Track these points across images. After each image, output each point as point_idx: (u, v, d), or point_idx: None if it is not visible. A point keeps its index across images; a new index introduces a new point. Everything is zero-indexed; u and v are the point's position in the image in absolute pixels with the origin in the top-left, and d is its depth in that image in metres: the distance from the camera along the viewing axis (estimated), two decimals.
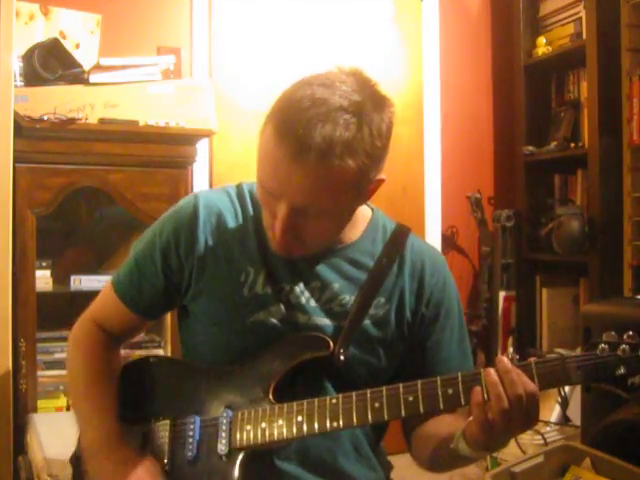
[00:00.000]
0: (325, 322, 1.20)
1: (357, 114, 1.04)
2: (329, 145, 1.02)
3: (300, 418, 1.10)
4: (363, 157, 1.05)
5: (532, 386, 1.01)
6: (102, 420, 1.22)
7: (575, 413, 2.61)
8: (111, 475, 1.16)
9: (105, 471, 1.17)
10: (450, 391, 1.05)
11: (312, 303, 1.20)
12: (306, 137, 1.01)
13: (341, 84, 1.06)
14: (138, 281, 1.27)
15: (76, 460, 1.30)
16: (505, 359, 1.03)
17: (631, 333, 1.03)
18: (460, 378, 1.05)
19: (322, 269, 1.22)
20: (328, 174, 1.03)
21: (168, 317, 2.39)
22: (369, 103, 1.06)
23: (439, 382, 1.06)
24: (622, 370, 1.01)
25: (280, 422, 1.12)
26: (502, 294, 3.32)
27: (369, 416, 1.08)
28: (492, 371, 1.02)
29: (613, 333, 1.04)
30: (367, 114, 1.05)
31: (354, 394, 1.09)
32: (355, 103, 1.05)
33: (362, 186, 1.10)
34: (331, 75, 1.09)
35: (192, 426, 1.18)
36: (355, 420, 1.08)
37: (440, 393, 1.05)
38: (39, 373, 2.32)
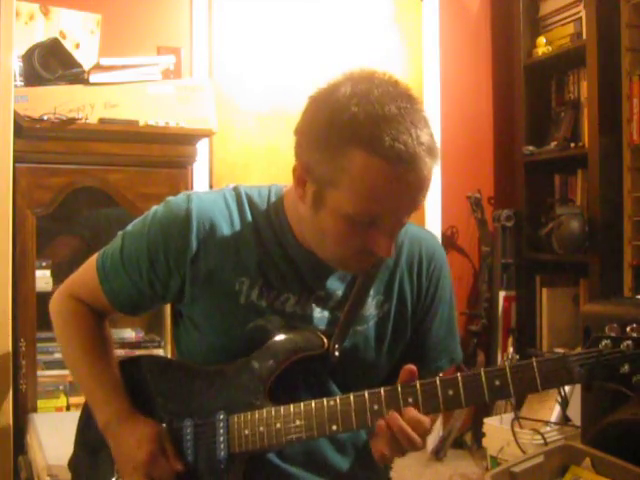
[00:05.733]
0: (331, 329, 1.18)
1: (417, 103, 1.05)
2: (433, 139, 1.03)
3: (298, 422, 1.09)
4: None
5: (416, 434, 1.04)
6: (112, 399, 1.22)
7: (575, 413, 2.60)
8: (135, 448, 1.16)
9: (127, 445, 1.18)
10: (451, 392, 1.04)
11: (317, 314, 1.19)
12: (419, 145, 1.00)
13: (381, 81, 1.05)
14: (121, 278, 1.23)
15: (75, 464, 1.30)
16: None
17: (635, 325, 0.98)
18: (460, 379, 1.04)
19: (329, 279, 1.20)
20: (436, 166, 1.05)
21: (168, 317, 2.39)
22: (408, 90, 1.07)
23: (438, 383, 1.05)
24: (626, 368, 0.97)
25: (278, 426, 1.10)
26: (502, 294, 3.32)
27: (368, 419, 1.07)
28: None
29: (615, 325, 0.99)
30: (417, 101, 1.06)
31: (352, 395, 1.08)
32: (406, 95, 1.05)
33: None
34: (366, 79, 1.05)
35: (188, 430, 1.17)
36: (355, 423, 1.08)
37: (441, 394, 1.04)
38: (39, 373, 2.31)
